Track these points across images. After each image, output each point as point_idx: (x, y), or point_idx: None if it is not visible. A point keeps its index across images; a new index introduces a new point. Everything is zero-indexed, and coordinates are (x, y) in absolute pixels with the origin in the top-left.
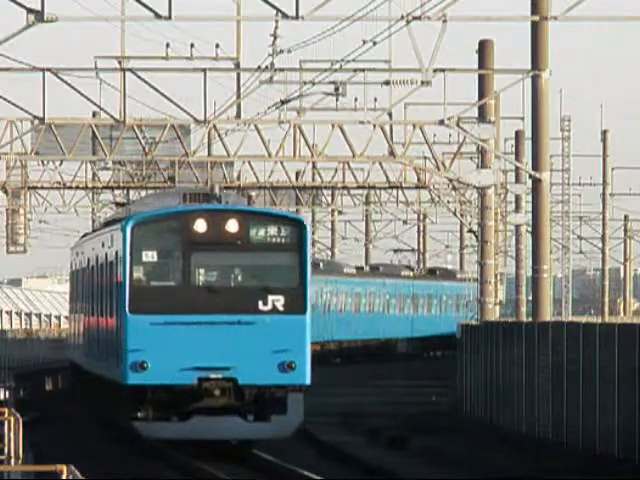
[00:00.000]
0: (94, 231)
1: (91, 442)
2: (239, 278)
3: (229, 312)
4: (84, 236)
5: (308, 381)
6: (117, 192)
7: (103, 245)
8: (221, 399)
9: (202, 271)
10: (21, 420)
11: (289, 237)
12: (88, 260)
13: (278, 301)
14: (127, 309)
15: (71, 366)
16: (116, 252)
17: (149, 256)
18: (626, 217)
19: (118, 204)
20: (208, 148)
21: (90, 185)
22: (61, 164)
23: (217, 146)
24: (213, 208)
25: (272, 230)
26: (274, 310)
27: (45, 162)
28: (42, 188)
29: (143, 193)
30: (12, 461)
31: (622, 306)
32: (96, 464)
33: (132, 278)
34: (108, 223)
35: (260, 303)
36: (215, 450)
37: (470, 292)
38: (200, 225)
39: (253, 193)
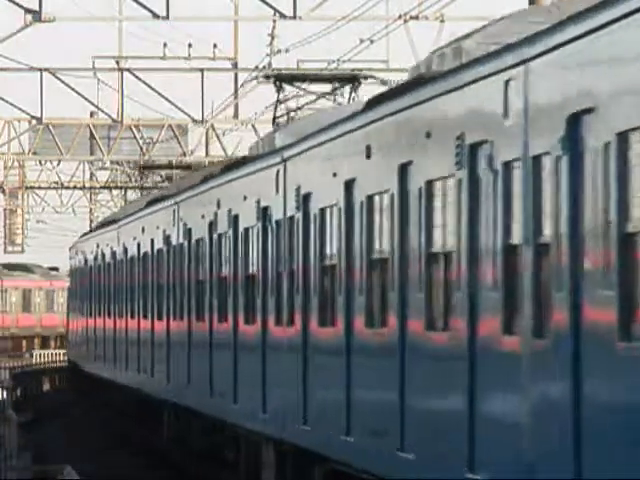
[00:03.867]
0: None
1: (90, 442)
2: None
3: None
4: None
5: None
6: (115, 192)
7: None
8: None
9: None
10: (18, 420)
11: None
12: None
13: None
14: None
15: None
16: None
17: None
18: None
19: None
20: (206, 148)
21: (88, 185)
22: (59, 164)
23: (214, 146)
24: None
25: None
26: None
27: (43, 162)
28: (40, 188)
29: (141, 193)
30: (10, 461)
31: None
32: (95, 464)
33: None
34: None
35: None
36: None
37: None
38: None
39: None
